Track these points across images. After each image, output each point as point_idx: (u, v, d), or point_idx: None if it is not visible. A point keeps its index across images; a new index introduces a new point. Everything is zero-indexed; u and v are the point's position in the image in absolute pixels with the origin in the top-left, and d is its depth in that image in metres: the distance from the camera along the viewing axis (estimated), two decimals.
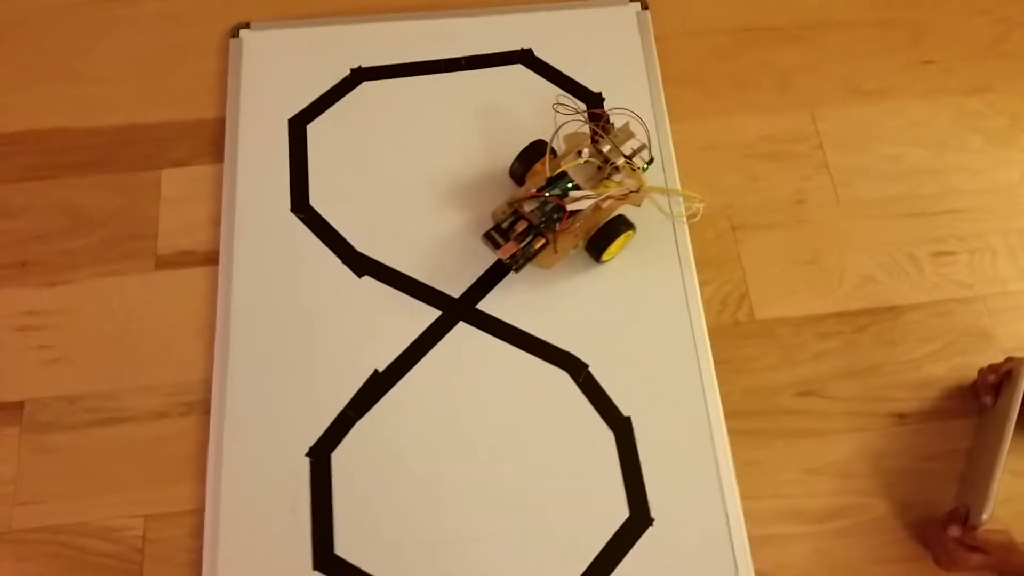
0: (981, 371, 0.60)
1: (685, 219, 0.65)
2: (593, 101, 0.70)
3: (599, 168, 0.61)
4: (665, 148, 0.68)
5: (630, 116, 0.62)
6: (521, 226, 0.62)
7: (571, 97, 0.69)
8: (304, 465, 0.59)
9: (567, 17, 0.74)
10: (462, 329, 0.63)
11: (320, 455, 0.59)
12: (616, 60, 0.72)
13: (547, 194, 0.60)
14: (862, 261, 0.66)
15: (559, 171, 0.61)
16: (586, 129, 0.63)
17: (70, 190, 0.68)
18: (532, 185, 0.62)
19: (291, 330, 0.63)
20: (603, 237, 0.62)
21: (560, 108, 0.63)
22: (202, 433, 0.60)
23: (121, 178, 0.68)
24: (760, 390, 0.62)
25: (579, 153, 0.61)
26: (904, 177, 0.68)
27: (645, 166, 0.62)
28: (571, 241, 0.62)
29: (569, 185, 0.61)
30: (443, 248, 0.65)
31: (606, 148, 0.61)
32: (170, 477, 0.59)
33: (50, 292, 0.65)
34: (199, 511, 0.58)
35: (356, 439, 0.60)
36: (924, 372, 0.62)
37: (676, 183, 0.67)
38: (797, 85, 0.72)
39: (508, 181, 0.67)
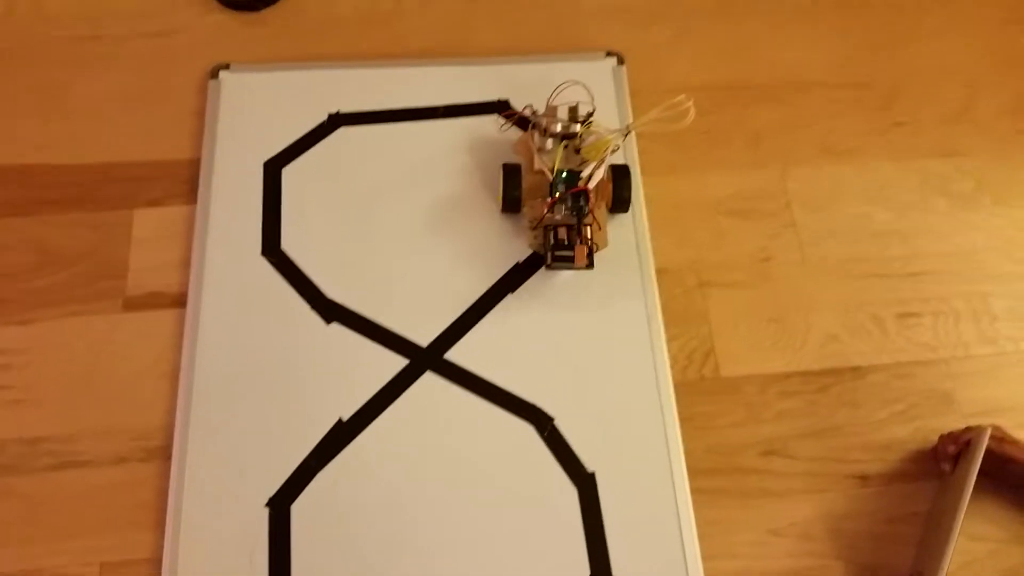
0: (942, 438, 0.60)
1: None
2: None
3: (567, 146, 0.65)
4: (636, 201, 0.69)
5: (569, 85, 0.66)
6: (564, 232, 0.63)
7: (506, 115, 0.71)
8: (263, 515, 0.59)
9: (544, 69, 0.74)
10: (429, 379, 0.63)
11: (280, 505, 0.59)
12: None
13: (564, 191, 0.64)
14: (827, 320, 0.66)
15: (555, 170, 0.64)
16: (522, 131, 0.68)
17: (43, 227, 0.68)
18: (537, 197, 0.65)
19: (256, 376, 0.63)
20: (621, 189, 0.66)
21: (504, 126, 0.69)
22: (162, 480, 0.60)
23: (95, 216, 0.68)
24: (723, 448, 0.62)
25: (550, 143, 0.65)
26: (871, 238, 0.69)
27: (590, 120, 0.66)
28: (603, 212, 0.66)
29: (566, 174, 0.64)
30: (414, 296, 0.66)
31: (557, 128, 0.65)
32: (128, 524, 0.59)
33: (16, 331, 0.65)
34: (156, 560, 0.57)
35: (317, 489, 0.60)
36: (886, 434, 0.63)
37: (646, 235, 0.67)
38: (769, 144, 0.73)
39: (480, 231, 0.67)
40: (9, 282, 0.66)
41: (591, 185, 0.64)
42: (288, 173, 0.70)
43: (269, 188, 0.69)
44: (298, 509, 0.59)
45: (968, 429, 0.59)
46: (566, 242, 0.63)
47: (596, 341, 0.65)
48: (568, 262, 0.63)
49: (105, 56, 0.75)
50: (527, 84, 0.73)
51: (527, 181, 0.66)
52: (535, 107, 0.67)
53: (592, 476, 0.60)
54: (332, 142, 0.71)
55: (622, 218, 0.68)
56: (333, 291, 0.66)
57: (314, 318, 0.65)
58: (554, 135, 0.65)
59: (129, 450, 0.61)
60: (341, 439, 0.61)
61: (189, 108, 0.72)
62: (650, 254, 0.67)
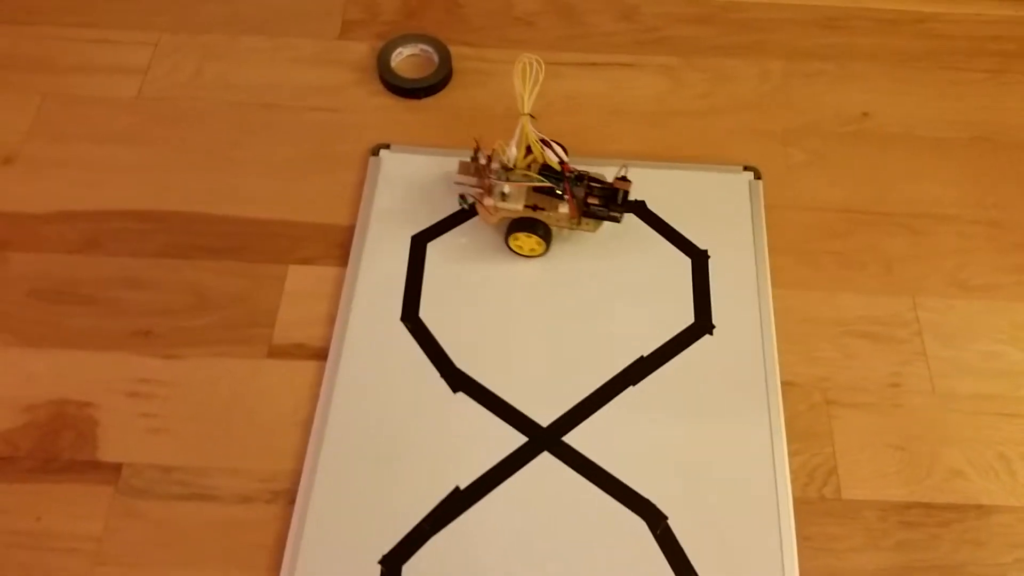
0: None
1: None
2: (699, 257, 0.73)
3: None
4: (765, 312, 0.70)
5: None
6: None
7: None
8: (376, 572, 0.60)
9: (681, 176, 0.78)
10: (546, 459, 0.65)
11: (392, 564, 0.60)
12: (725, 223, 0.75)
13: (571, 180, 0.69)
14: (953, 455, 0.65)
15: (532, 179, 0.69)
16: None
17: (200, 272, 0.73)
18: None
19: (383, 434, 0.65)
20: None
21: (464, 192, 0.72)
22: (283, 524, 0.62)
23: (250, 267, 0.73)
24: (840, 572, 0.61)
25: (506, 187, 0.69)
26: (1001, 376, 0.68)
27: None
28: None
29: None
30: (538, 377, 0.68)
31: (501, 181, 0.69)
32: (246, 562, 0.61)
33: (165, 364, 0.69)
34: None
35: (428, 553, 0.61)
36: None
37: (773, 347, 0.68)
38: (901, 271, 0.73)
39: (608, 321, 0.70)
40: (163, 318, 0.71)
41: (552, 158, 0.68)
42: (432, 248, 0.74)
43: (414, 259, 0.73)
44: (409, 570, 0.60)
45: None
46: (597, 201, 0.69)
47: (715, 446, 0.65)
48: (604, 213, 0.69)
49: (276, 124, 0.82)
50: (664, 188, 0.77)
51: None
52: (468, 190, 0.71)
53: None
54: (476, 223, 0.75)
55: (750, 326, 0.69)
56: (462, 362, 0.68)
57: (442, 385, 0.67)
58: (502, 178, 0.69)
59: (256, 491, 0.63)
60: (456, 507, 0.62)
61: (349, 179, 0.78)
62: (776, 366, 0.68)
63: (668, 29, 0.90)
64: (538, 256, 0.73)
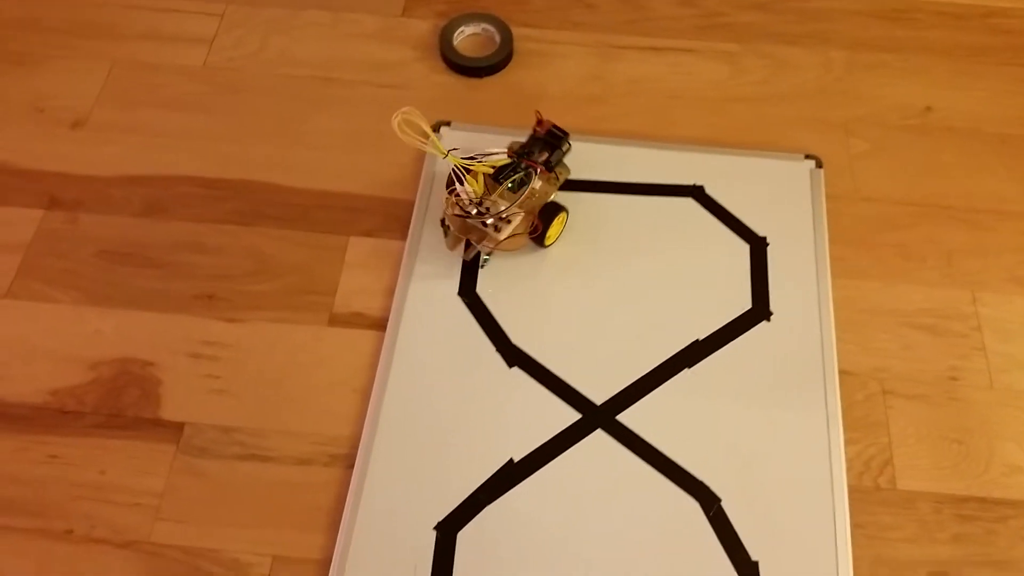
0: None
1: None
2: (757, 243, 0.73)
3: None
4: (824, 301, 0.70)
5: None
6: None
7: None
8: (431, 538, 0.61)
9: (741, 163, 0.78)
10: (599, 436, 0.65)
11: (448, 531, 0.61)
12: (784, 210, 0.75)
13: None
14: (1011, 450, 0.65)
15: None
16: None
17: (263, 239, 0.74)
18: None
19: (439, 405, 0.66)
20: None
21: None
22: (341, 487, 0.63)
23: (312, 236, 0.74)
24: (892, 562, 0.60)
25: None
26: None
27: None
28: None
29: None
30: (593, 355, 0.68)
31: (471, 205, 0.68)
32: (303, 523, 0.62)
33: (226, 327, 0.70)
34: (325, 562, 0.60)
35: (483, 522, 0.61)
36: None
37: (831, 335, 0.68)
38: (961, 265, 0.73)
39: (664, 303, 0.70)
40: (226, 283, 0.72)
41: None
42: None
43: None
44: (464, 537, 0.61)
45: None
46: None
47: (770, 431, 0.65)
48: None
49: (339, 98, 0.83)
50: (723, 174, 0.77)
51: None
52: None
53: (756, 565, 0.60)
54: None
55: (808, 314, 0.69)
56: (518, 338, 0.69)
57: (498, 360, 0.68)
58: (490, 211, 0.67)
59: (314, 454, 0.65)
60: (511, 478, 0.63)
61: (410, 155, 0.78)
62: (835, 354, 0.67)
63: (730, 15, 0.89)
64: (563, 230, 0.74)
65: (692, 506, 0.62)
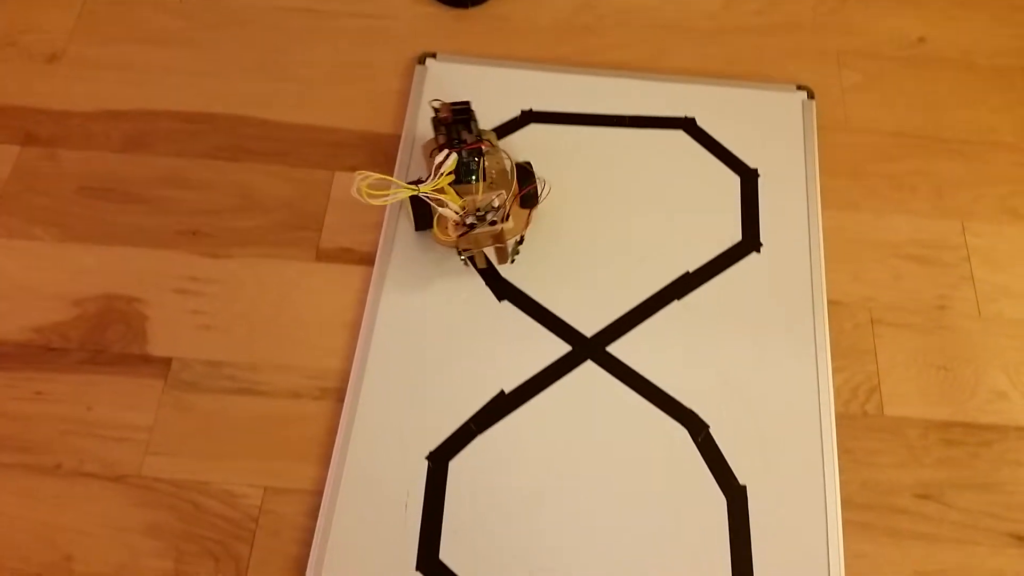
0: None
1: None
2: (748, 175, 0.72)
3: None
4: (814, 232, 0.70)
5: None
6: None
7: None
8: (423, 467, 0.61)
9: (733, 94, 0.77)
10: (589, 367, 0.65)
11: (439, 460, 0.61)
12: (776, 142, 0.74)
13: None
14: (997, 377, 0.65)
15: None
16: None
17: (248, 174, 0.73)
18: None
19: (430, 338, 0.66)
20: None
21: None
22: (332, 419, 0.63)
23: (296, 171, 0.73)
24: (879, 485, 0.61)
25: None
26: None
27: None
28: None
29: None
30: (582, 288, 0.68)
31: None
32: (295, 455, 0.62)
33: (212, 263, 0.69)
34: (317, 492, 0.60)
35: (474, 451, 0.62)
36: None
37: (821, 266, 0.68)
38: (952, 196, 0.73)
39: (652, 234, 0.70)
40: (211, 218, 0.71)
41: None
42: None
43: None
44: (455, 466, 0.61)
45: None
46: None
47: (759, 360, 0.65)
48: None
49: (322, 30, 0.81)
50: (714, 105, 0.76)
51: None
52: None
53: (743, 489, 0.61)
54: (523, 136, 0.75)
55: (798, 246, 0.69)
56: (507, 271, 0.68)
57: (487, 293, 0.68)
58: (479, 212, 0.63)
59: (304, 387, 0.64)
60: (501, 409, 0.63)
61: (394, 88, 0.77)
62: (824, 284, 0.67)
63: None
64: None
65: (681, 433, 0.63)
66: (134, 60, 0.79)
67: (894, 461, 0.62)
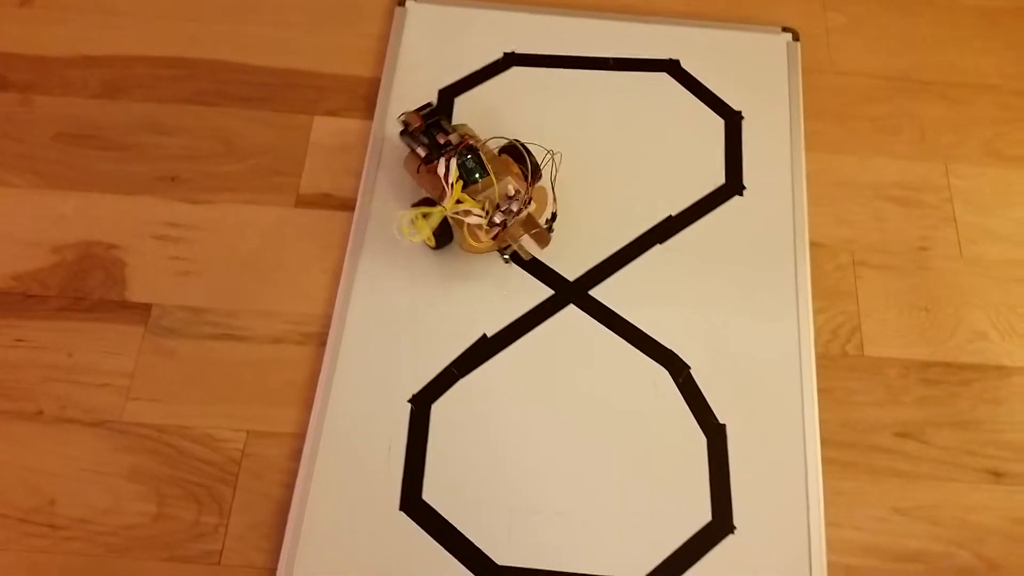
0: None
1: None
2: (732, 118, 0.72)
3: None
4: (797, 174, 0.69)
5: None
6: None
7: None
8: (405, 410, 0.61)
9: (717, 36, 0.76)
10: (571, 311, 0.65)
11: (422, 404, 0.61)
12: (760, 84, 0.73)
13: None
14: (977, 317, 0.66)
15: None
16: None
17: (227, 119, 0.72)
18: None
19: (413, 282, 0.65)
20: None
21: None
22: (314, 364, 0.63)
23: (277, 116, 0.72)
24: (858, 424, 0.62)
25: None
26: None
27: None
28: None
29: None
30: (564, 232, 0.67)
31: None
32: (277, 399, 0.62)
33: (192, 208, 0.69)
34: (299, 436, 0.61)
35: (456, 395, 0.62)
36: None
37: (804, 208, 0.68)
38: (936, 139, 0.72)
39: (632, 181, 0.69)
40: (191, 164, 0.71)
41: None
42: (461, 102, 0.72)
43: (442, 112, 0.72)
44: (437, 410, 0.61)
45: None
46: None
47: (741, 302, 0.65)
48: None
49: None
50: (699, 47, 0.75)
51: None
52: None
53: (723, 428, 0.61)
54: (505, 79, 0.74)
55: (781, 188, 0.69)
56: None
57: None
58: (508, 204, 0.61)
59: (286, 332, 0.64)
60: (484, 353, 0.63)
61: (374, 31, 0.76)
62: (806, 226, 0.67)
63: None
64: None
65: (662, 374, 0.63)
66: (111, 3, 0.77)
67: (874, 400, 0.63)
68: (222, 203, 0.69)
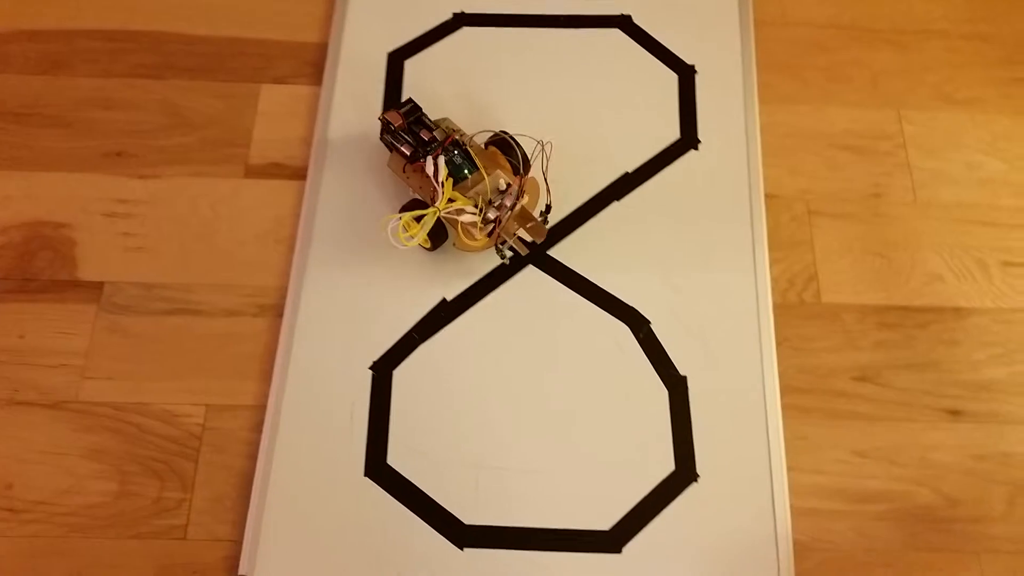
0: None
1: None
2: (686, 72, 0.72)
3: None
4: (751, 127, 0.69)
5: None
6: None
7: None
8: (367, 377, 0.61)
9: None
10: (531, 272, 0.65)
11: (383, 370, 0.61)
12: (713, 38, 0.73)
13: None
14: (932, 260, 0.66)
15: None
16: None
17: (174, 91, 0.71)
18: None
19: (369, 250, 0.65)
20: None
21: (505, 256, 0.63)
22: (271, 336, 0.62)
23: (223, 86, 0.71)
24: (817, 369, 0.62)
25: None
26: (982, 186, 0.69)
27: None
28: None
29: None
30: None
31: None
32: (235, 372, 0.61)
33: (141, 184, 0.67)
34: (260, 407, 0.60)
35: (418, 360, 0.62)
36: (983, 374, 0.62)
37: (759, 160, 0.68)
38: (887, 86, 0.72)
39: (590, 137, 0.69)
40: (138, 138, 0.69)
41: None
42: (411, 65, 0.71)
43: (391, 78, 0.71)
44: (399, 376, 0.61)
45: None
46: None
47: (698, 255, 0.65)
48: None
49: None
50: (649, 2, 0.74)
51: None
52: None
53: (684, 379, 0.61)
54: (455, 40, 0.73)
55: (736, 141, 0.69)
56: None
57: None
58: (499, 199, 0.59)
59: (242, 305, 0.63)
60: (444, 317, 0.63)
61: None
62: (760, 178, 0.67)
63: None
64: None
65: (622, 330, 0.63)
66: None
67: (831, 346, 0.63)
68: (171, 177, 0.68)
